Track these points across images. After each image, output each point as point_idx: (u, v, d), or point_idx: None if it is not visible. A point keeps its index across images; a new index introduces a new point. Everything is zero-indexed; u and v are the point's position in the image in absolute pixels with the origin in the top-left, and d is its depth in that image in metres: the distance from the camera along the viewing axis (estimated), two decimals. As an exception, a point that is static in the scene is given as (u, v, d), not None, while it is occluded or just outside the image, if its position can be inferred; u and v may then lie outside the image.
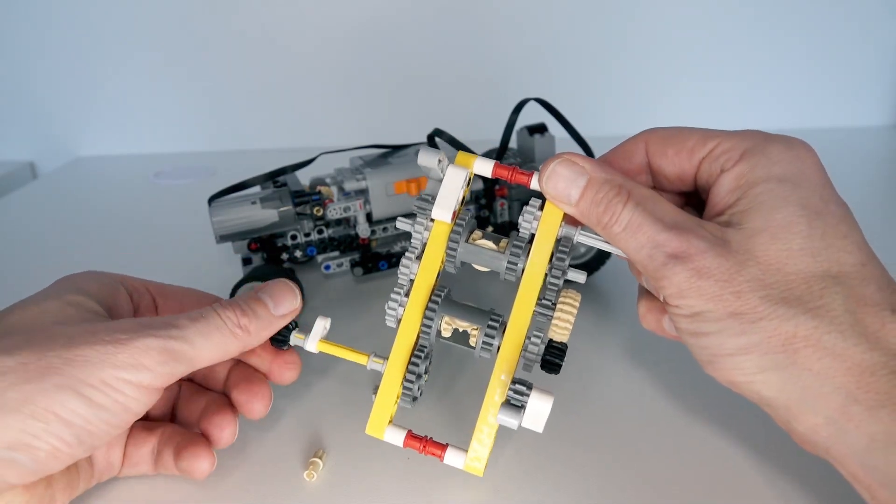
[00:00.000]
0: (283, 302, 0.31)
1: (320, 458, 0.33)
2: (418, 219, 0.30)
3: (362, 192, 0.48)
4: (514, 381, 0.28)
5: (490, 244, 0.30)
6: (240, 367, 0.34)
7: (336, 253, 0.50)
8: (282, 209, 0.46)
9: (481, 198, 0.52)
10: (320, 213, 0.48)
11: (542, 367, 0.29)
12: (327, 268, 0.50)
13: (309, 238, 0.49)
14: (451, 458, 0.29)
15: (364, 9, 0.83)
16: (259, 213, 0.45)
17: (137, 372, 0.26)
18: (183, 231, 0.63)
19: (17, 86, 0.88)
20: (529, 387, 0.28)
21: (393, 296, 0.30)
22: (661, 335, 0.31)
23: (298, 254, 0.50)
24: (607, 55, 0.85)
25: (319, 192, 0.48)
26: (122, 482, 0.32)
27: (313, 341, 0.31)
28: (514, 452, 0.33)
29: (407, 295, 0.30)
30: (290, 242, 0.49)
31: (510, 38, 0.85)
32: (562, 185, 0.28)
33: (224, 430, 0.32)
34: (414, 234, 0.30)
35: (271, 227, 0.46)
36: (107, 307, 0.30)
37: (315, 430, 0.36)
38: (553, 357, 0.28)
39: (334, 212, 0.48)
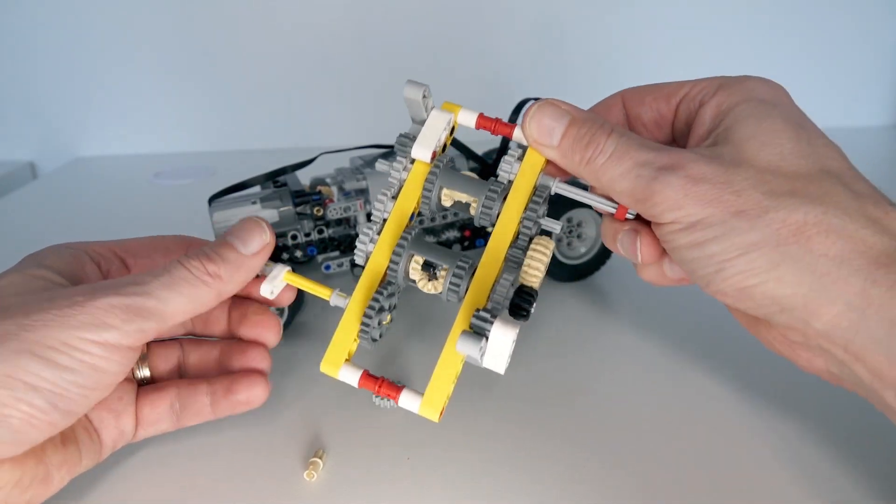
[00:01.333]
0: (252, 239, 0.29)
1: (320, 458, 0.33)
2: (397, 158, 0.30)
3: (362, 192, 0.48)
4: (478, 311, 0.26)
5: (473, 175, 0.30)
6: (237, 305, 0.34)
7: (336, 253, 0.50)
8: (282, 209, 0.46)
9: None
10: (320, 213, 0.48)
11: (511, 312, 0.27)
12: (327, 268, 0.50)
13: (309, 238, 0.49)
14: (406, 400, 0.27)
15: (364, 9, 0.83)
16: (259, 213, 0.45)
17: (101, 331, 0.25)
18: (183, 231, 0.63)
19: (17, 86, 0.88)
20: (494, 316, 0.26)
21: (364, 231, 0.29)
22: (661, 284, 0.30)
23: (298, 254, 0.50)
24: (607, 55, 0.85)
25: (319, 192, 0.48)
26: (121, 483, 0.32)
27: (280, 270, 0.31)
28: (513, 450, 0.33)
29: (378, 233, 0.30)
30: (290, 242, 0.49)
31: (510, 38, 0.85)
32: (546, 124, 0.28)
33: (263, 362, 0.32)
34: (392, 173, 0.30)
35: (271, 227, 0.46)
36: (71, 278, 0.29)
37: (315, 430, 0.36)
38: (522, 301, 0.27)
39: (334, 212, 0.47)
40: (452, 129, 0.31)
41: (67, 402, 0.25)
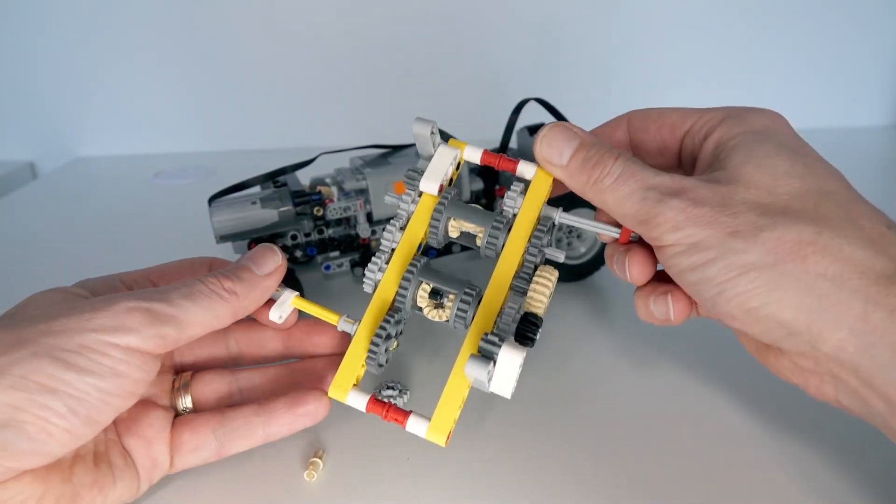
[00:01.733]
0: (266, 261, 0.31)
1: (320, 458, 0.33)
2: (406, 192, 0.31)
3: (362, 192, 0.48)
4: (485, 335, 0.27)
5: (478, 207, 0.31)
6: (290, 332, 0.35)
7: (336, 253, 0.50)
8: (282, 209, 0.46)
9: (481, 197, 0.52)
10: (320, 213, 0.48)
11: (517, 338, 0.28)
12: (327, 268, 0.50)
13: (309, 238, 0.49)
14: (414, 425, 0.28)
15: (364, 9, 0.83)
16: (259, 213, 0.45)
17: (122, 334, 0.25)
18: (183, 231, 0.63)
19: (16, 85, 0.88)
20: (502, 340, 0.27)
21: (373, 260, 0.31)
22: (651, 322, 0.31)
23: (298, 254, 0.50)
24: (607, 55, 0.85)
25: (319, 192, 0.48)
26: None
27: (289, 295, 0.31)
28: (512, 450, 0.33)
29: (387, 263, 0.31)
30: (290, 242, 0.49)
31: (510, 38, 0.85)
32: (556, 145, 0.29)
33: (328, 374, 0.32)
34: (400, 206, 0.31)
35: (271, 227, 0.46)
36: (99, 295, 0.30)
37: (315, 430, 0.36)
38: (527, 328, 0.28)
39: (334, 212, 0.47)
40: (458, 164, 0.32)
41: (87, 407, 0.24)
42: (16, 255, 0.62)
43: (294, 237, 0.49)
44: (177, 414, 0.32)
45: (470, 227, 0.31)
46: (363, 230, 0.49)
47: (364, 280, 0.31)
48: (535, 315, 0.28)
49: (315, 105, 0.89)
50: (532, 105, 0.49)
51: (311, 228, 0.49)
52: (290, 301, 0.31)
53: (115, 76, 0.87)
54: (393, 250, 0.31)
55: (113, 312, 0.25)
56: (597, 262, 0.49)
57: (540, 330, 0.28)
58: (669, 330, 0.43)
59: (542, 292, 0.29)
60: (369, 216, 0.49)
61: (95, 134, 0.92)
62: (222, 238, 0.45)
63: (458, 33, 0.84)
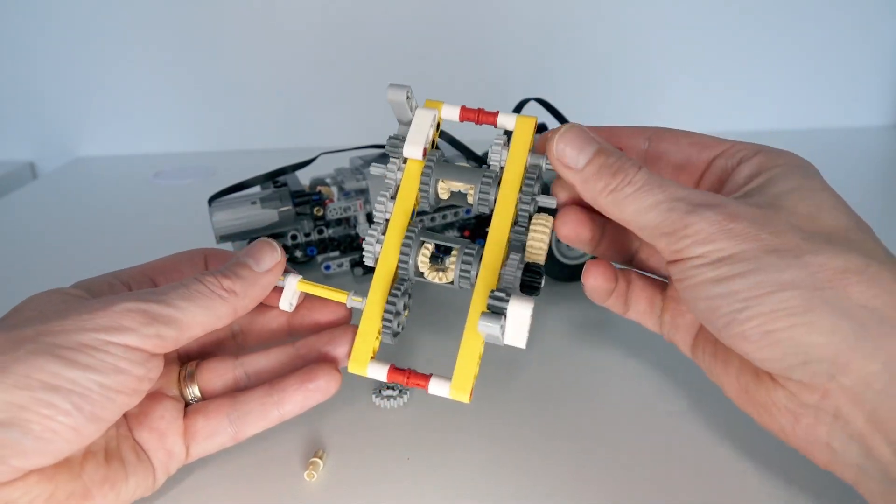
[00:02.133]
0: (264, 257, 0.30)
1: (320, 458, 0.33)
2: (391, 160, 0.31)
3: (362, 192, 0.48)
4: (492, 292, 0.27)
5: (464, 164, 0.31)
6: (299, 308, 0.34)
7: (336, 253, 0.50)
8: (282, 209, 0.46)
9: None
10: (320, 213, 0.48)
11: (522, 289, 0.29)
12: (327, 268, 0.50)
13: (309, 238, 0.49)
14: (436, 387, 0.28)
15: (364, 9, 0.83)
16: (259, 213, 0.45)
17: (119, 333, 0.25)
18: (183, 231, 0.63)
19: (16, 85, 0.88)
20: (509, 294, 0.27)
21: (370, 233, 0.30)
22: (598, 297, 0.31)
23: (298, 254, 0.50)
24: (607, 55, 0.85)
25: (319, 192, 0.48)
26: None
27: (293, 281, 0.31)
28: (512, 450, 0.33)
29: (384, 234, 0.31)
30: (290, 242, 0.49)
31: (510, 38, 0.85)
32: (574, 146, 0.28)
33: (342, 347, 0.31)
34: (387, 175, 0.31)
35: (271, 227, 0.46)
36: (98, 296, 0.30)
37: (315, 430, 0.36)
38: (531, 278, 0.28)
39: (334, 212, 0.48)
40: (438, 125, 0.32)
41: (92, 403, 0.24)
42: (16, 255, 0.62)
43: (294, 237, 0.49)
44: (187, 403, 0.32)
45: (460, 186, 0.30)
46: (363, 230, 0.49)
47: (364, 254, 0.31)
48: (536, 264, 0.29)
49: (315, 105, 0.89)
50: (532, 105, 0.49)
51: (311, 228, 0.49)
52: (295, 286, 0.31)
53: (116, 76, 0.87)
54: (387, 221, 0.31)
55: (110, 313, 0.25)
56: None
57: (543, 278, 0.28)
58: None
59: (540, 240, 0.29)
60: (369, 216, 0.49)
61: (95, 134, 0.92)
62: (222, 238, 0.45)
63: (458, 33, 0.84)
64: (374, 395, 0.38)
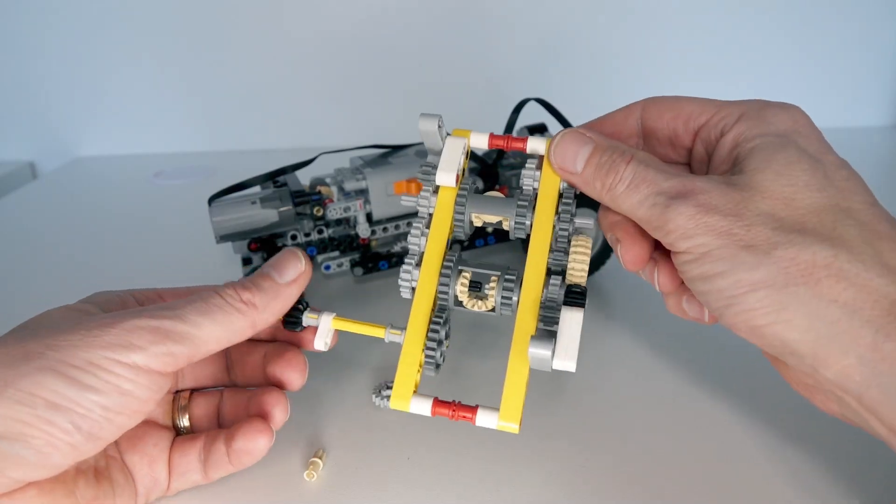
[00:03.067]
0: (287, 268, 0.29)
1: (320, 458, 0.33)
2: (423, 189, 0.31)
3: (362, 192, 0.48)
4: (541, 310, 0.28)
5: (497, 194, 0.31)
6: (273, 346, 0.33)
7: (336, 253, 0.50)
8: (282, 209, 0.46)
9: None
10: (320, 213, 0.48)
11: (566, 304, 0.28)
12: (327, 268, 0.50)
13: (309, 238, 0.49)
14: (484, 419, 0.27)
15: (364, 9, 0.83)
16: (259, 213, 0.45)
17: (128, 352, 0.25)
18: (183, 231, 0.63)
19: (17, 86, 0.88)
20: (559, 306, 0.27)
21: (405, 266, 0.30)
22: (686, 318, 0.30)
23: (298, 254, 0.50)
24: (607, 55, 0.85)
25: (319, 192, 0.48)
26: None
27: (327, 319, 0.30)
28: (512, 450, 0.33)
29: (418, 266, 0.30)
30: (290, 242, 0.49)
31: (510, 38, 0.85)
32: (570, 152, 0.28)
33: (275, 407, 0.30)
34: (420, 205, 0.31)
35: (271, 227, 0.46)
36: (110, 311, 0.30)
37: (315, 430, 0.36)
38: (574, 298, 0.27)
39: (334, 212, 0.47)
40: (468, 153, 0.32)
41: (91, 424, 0.24)
42: (16, 255, 0.62)
43: (294, 237, 0.49)
44: (178, 432, 0.32)
45: (492, 218, 0.30)
46: (363, 230, 0.49)
47: (400, 286, 0.30)
48: (578, 286, 0.28)
49: (315, 105, 0.89)
50: (532, 105, 0.49)
51: (311, 228, 0.49)
52: (329, 324, 0.30)
53: (116, 76, 0.87)
54: (422, 252, 0.30)
55: (120, 330, 0.25)
56: (597, 261, 0.49)
57: (586, 298, 0.28)
58: (671, 330, 0.43)
59: (582, 261, 0.29)
60: (369, 216, 0.49)
61: (95, 134, 0.92)
62: (222, 238, 0.45)
63: (458, 33, 0.84)
64: (374, 395, 0.38)
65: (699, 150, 0.30)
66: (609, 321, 0.45)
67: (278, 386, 0.32)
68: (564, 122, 0.48)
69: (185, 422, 0.32)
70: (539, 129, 0.52)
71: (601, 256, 0.49)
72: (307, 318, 0.31)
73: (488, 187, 0.52)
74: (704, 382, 0.38)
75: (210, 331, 0.26)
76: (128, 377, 0.25)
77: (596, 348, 0.42)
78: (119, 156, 0.91)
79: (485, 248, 0.53)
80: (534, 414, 0.36)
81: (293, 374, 0.32)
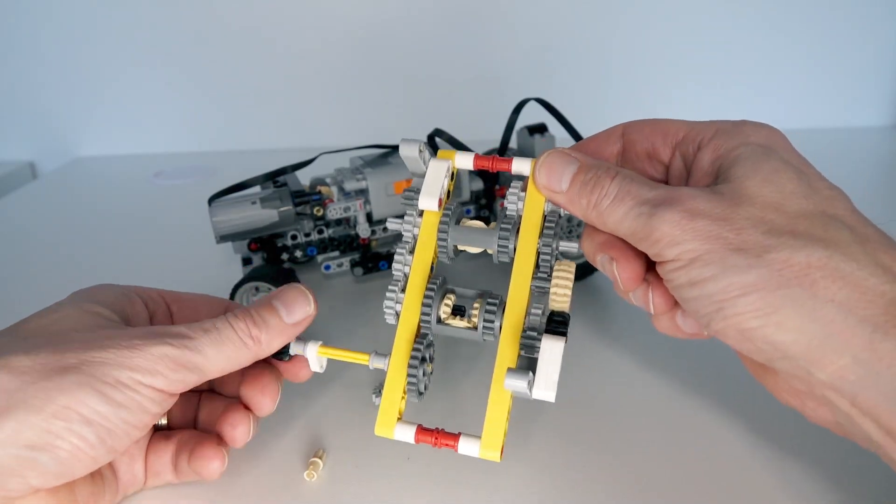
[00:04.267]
0: (297, 309, 0.30)
1: (320, 458, 0.33)
2: (407, 213, 0.31)
3: (362, 192, 0.48)
4: (523, 335, 0.28)
5: (480, 224, 0.31)
6: (254, 365, 0.33)
7: (336, 253, 0.50)
8: (282, 209, 0.46)
9: (481, 197, 0.52)
10: (320, 213, 0.48)
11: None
12: (327, 268, 0.50)
13: (309, 238, 0.49)
14: (466, 447, 0.28)
15: (364, 9, 0.83)
16: (259, 213, 0.45)
17: (152, 376, 0.26)
18: (183, 231, 0.63)
19: (16, 86, 0.88)
20: (540, 333, 0.27)
21: (389, 292, 0.30)
22: (676, 336, 0.30)
23: (298, 254, 0.50)
24: (607, 56, 0.85)
25: (319, 192, 0.48)
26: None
27: (313, 348, 0.31)
28: (512, 450, 0.33)
29: (403, 291, 0.30)
30: (290, 242, 0.49)
31: (510, 38, 0.85)
32: (555, 171, 0.28)
33: (236, 429, 0.31)
34: (404, 229, 0.31)
35: (271, 227, 0.46)
36: (122, 316, 0.31)
37: (315, 430, 0.36)
38: (555, 326, 0.28)
39: (334, 212, 0.48)
40: (453, 175, 0.31)
41: (113, 437, 0.26)
42: (16, 255, 0.62)
43: (294, 237, 0.49)
44: (156, 429, 0.33)
45: (475, 249, 0.30)
46: (363, 230, 0.49)
47: (385, 312, 0.30)
48: (560, 313, 0.28)
49: (315, 105, 0.89)
50: (532, 105, 0.49)
51: (311, 228, 0.49)
52: (317, 351, 0.31)
53: (116, 76, 0.87)
54: (406, 275, 0.30)
55: (148, 356, 0.26)
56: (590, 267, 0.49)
57: (568, 327, 0.28)
58: (663, 340, 0.43)
59: (564, 287, 0.28)
60: (369, 216, 0.49)
61: (95, 134, 0.92)
62: (222, 238, 0.45)
63: (458, 33, 0.84)
64: (374, 395, 0.37)
65: (677, 165, 0.30)
66: (608, 321, 0.45)
67: (248, 407, 0.32)
68: (564, 123, 0.48)
69: (163, 420, 0.33)
70: (539, 129, 0.52)
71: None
72: (294, 348, 0.31)
73: (488, 187, 0.52)
74: (698, 394, 0.38)
75: (217, 362, 0.28)
76: (149, 396, 0.26)
77: (594, 348, 0.42)
78: (119, 156, 0.91)
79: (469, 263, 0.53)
80: (533, 415, 0.36)
81: (264, 399, 0.32)
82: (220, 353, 0.28)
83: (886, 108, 0.88)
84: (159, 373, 0.26)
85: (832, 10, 0.82)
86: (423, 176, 0.31)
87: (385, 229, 0.50)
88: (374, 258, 0.50)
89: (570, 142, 0.48)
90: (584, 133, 0.48)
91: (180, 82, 0.88)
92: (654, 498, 0.31)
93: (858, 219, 0.25)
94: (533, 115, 0.53)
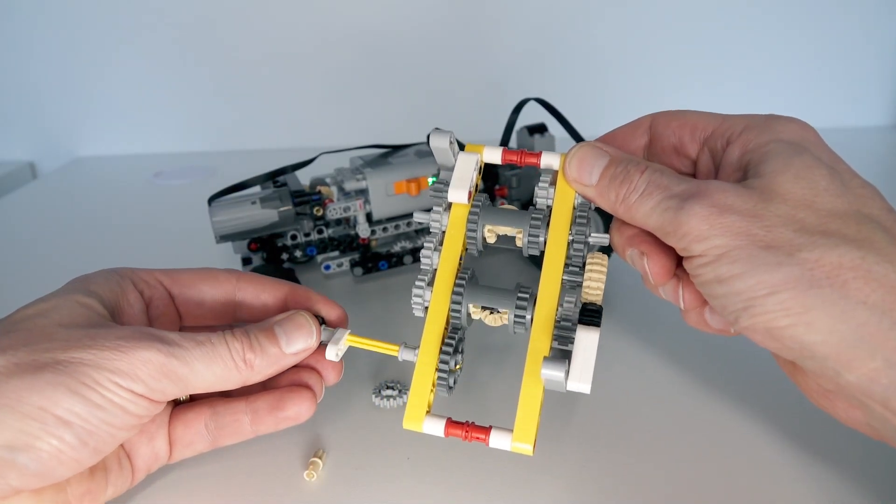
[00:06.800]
0: (298, 340, 0.30)
1: (320, 458, 0.33)
2: (435, 206, 0.31)
3: (362, 192, 0.48)
4: (557, 326, 0.27)
5: (511, 207, 0.31)
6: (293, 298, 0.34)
7: (336, 253, 0.50)
8: (282, 209, 0.46)
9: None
10: (320, 213, 0.48)
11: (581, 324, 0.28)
12: (327, 268, 0.50)
13: (309, 238, 0.49)
14: (497, 440, 0.27)
15: (364, 9, 0.83)
16: (259, 213, 0.45)
17: (132, 381, 0.25)
18: (183, 231, 0.63)
19: (16, 86, 0.88)
20: (574, 324, 0.27)
21: (417, 284, 0.30)
22: (706, 331, 0.29)
23: (298, 254, 0.50)
24: (607, 55, 0.85)
25: (319, 192, 0.48)
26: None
27: (342, 335, 0.31)
28: (513, 457, 0.33)
29: (430, 284, 0.30)
30: (290, 242, 0.49)
31: (510, 38, 0.85)
32: (586, 164, 0.28)
33: (329, 371, 0.32)
34: (432, 222, 0.31)
35: (271, 227, 0.46)
36: (114, 306, 0.30)
37: (315, 430, 0.36)
38: (590, 316, 0.27)
39: (334, 212, 0.47)
40: (480, 168, 0.31)
41: (96, 439, 0.25)
42: (16, 255, 0.62)
43: (294, 237, 0.49)
44: (177, 402, 0.32)
45: (507, 231, 0.30)
46: (363, 230, 0.49)
47: (413, 305, 0.30)
48: (593, 304, 0.28)
49: (315, 105, 0.89)
50: (532, 105, 0.49)
51: (311, 228, 0.49)
52: (345, 339, 0.31)
53: (116, 76, 0.87)
54: (434, 270, 0.30)
55: (130, 359, 0.26)
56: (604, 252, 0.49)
57: (602, 316, 0.27)
58: (672, 330, 0.43)
59: (598, 279, 0.28)
60: (369, 216, 0.49)
61: (95, 134, 0.92)
62: (222, 238, 0.45)
63: (458, 33, 0.84)
64: (374, 395, 0.37)
65: (705, 160, 0.30)
66: (607, 321, 0.45)
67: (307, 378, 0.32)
68: (564, 122, 0.48)
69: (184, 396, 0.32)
70: (539, 129, 0.52)
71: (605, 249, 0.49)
72: (322, 334, 0.31)
73: (488, 187, 0.52)
74: (705, 382, 0.38)
75: (204, 377, 0.27)
76: (129, 399, 0.26)
77: (603, 349, 0.42)
78: (119, 156, 0.91)
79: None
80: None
81: (331, 373, 0.33)
82: (208, 368, 0.27)
83: (887, 108, 0.88)
84: (140, 378, 0.26)
85: (833, 11, 0.82)
86: (450, 168, 0.30)
87: (385, 229, 0.50)
88: (373, 258, 0.50)
89: (570, 142, 0.48)
90: (584, 133, 0.48)
91: (180, 82, 0.88)
92: (656, 499, 0.31)
93: (893, 217, 0.24)
94: (533, 115, 0.53)
